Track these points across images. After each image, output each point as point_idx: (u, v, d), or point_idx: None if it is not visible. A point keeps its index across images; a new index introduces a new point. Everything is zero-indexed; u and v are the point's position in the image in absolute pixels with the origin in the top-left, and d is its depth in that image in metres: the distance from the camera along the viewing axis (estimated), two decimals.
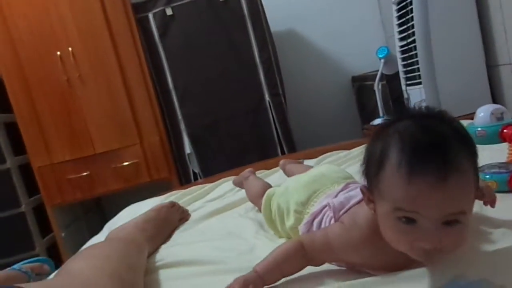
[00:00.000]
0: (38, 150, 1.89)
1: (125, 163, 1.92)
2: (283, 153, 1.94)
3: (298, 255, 0.59)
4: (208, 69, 1.94)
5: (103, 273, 0.63)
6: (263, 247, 0.78)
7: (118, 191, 1.96)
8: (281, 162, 1.20)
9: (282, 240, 0.80)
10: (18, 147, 1.94)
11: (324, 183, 0.76)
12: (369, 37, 2.30)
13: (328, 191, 0.74)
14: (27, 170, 1.96)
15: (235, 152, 1.95)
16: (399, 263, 0.55)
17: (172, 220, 1.04)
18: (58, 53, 1.83)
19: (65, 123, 1.88)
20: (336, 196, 0.70)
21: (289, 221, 0.77)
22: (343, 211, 0.63)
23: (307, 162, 1.32)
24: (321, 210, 0.70)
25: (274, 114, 1.97)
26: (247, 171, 1.15)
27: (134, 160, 1.93)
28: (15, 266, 0.81)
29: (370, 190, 0.52)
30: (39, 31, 1.82)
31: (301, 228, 0.72)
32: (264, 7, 1.99)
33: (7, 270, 0.79)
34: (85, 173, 1.91)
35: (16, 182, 1.92)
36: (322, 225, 0.68)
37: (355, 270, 0.60)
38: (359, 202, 0.61)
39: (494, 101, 1.64)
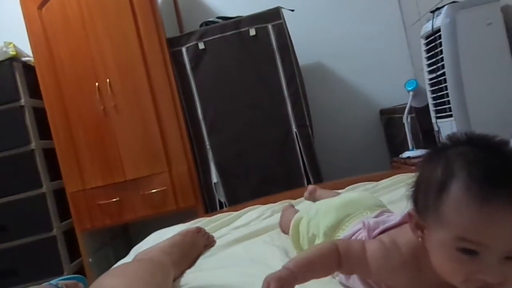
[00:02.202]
0: (72, 175, 1.97)
1: (154, 191, 1.96)
2: (309, 183, 1.92)
3: (332, 257, 0.57)
4: (237, 100, 1.99)
5: None
6: None
7: (145, 218, 1.99)
8: (310, 186, 1.16)
9: None
10: (54, 172, 2.03)
11: (357, 208, 0.75)
12: (397, 70, 2.31)
13: (360, 216, 0.72)
14: (61, 195, 2.03)
15: (261, 182, 1.95)
16: None
17: (197, 245, 1.04)
18: (97, 84, 1.94)
19: (99, 150, 1.96)
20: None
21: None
22: (377, 231, 0.61)
23: (364, 196, 1.30)
24: (352, 235, 0.69)
25: (301, 145, 1.97)
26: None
27: (162, 187, 1.96)
28: (53, 281, 0.84)
29: (422, 216, 0.49)
30: (80, 63, 1.95)
31: None
32: (293, 41, 2.05)
33: (45, 285, 0.81)
34: (115, 199, 1.96)
35: (50, 206, 1.99)
36: None
37: None
38: (395, 226, 0.58)
39: None
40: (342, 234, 0.71)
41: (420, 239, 0.50)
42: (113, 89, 1.94)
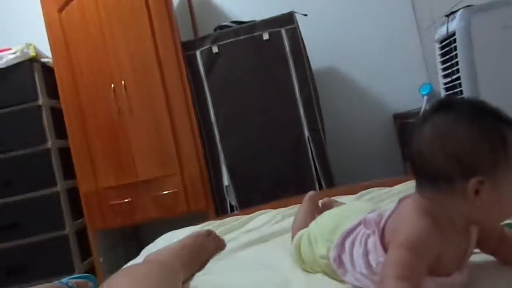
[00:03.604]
0: (86, 175, 2.00)
1: (165, 192, 1.97)
2: (321, 188, 1.91)
3: None
4: (249, 104, 2.00)
5: None
6: (298, 280, 0.76)
7: (156, 220, 2.00)
8: (311, 193, 1.08)
9: (318, 275, 0.77)
10: (68, 171, 2.06)
11: (354, 212, 0.76)
12: (412, 74, 2.28)
13: (357, 218, 0.72)
14: (74, 194, 2.06)
15: (273, 186, 1.95)
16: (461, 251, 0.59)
17: (208, 248, 1.04)
18: (112, 85, 1.97)
19: (113, 151, 1.98)
20: None
21: (320, 250, 0.75)
22: (383, 221, 0.62)
23: (346, 198, 1.29)
24: (353, 230, 0.69)
25: (313, 149, 1.96)
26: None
27: (174, 189, 1.97)
28: (63, 280, 0.85)
29: (488, 175, 0.53)
30: (97, 65, 1.98)
31: (332, 252, 0.71)
32: (306, 45, 2.05)
33: (55, 283, 0.82)
34: (127, 200, 1.98)
35: (63, 205, 2.02)
36: (356, 243, 0.67)
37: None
38: (392, 213, 0.62)
39: None
40: (339, 234, 0.72)
41: (478, 202, 0.54)
42: (128, 91, 1.97)
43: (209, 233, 1.10)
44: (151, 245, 1.31)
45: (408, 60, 2.31)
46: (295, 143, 1.97)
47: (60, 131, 2.05)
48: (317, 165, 1.95)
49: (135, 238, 2.43)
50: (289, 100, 1.98)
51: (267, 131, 1.98)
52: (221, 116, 2.01)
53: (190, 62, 2.02)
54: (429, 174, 0.58)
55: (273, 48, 1.98)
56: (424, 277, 0.55)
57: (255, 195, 1.94)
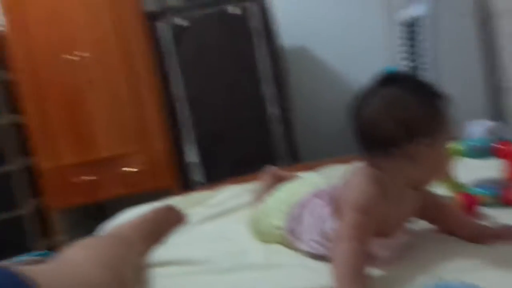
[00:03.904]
0: (44, 152, 1.91)
1: (130, 169, 1.93)
2: (287, 165, 1.93)
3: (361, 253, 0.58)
4: (218, 80, 1.96)
5: (95, 262, 0.62)
6: (254, 249, 0.77)
7: (121, 197, 1.95)
8: (270, 168, 1.11)
9: (274, 246, 0.79)
10: (23, 148, 1.96)
11: (308, 185, 0.80)
12: (379, 56, 2.31)
13: (311, 190, 0.76)
14: (31, 172, 1.97)
15: (240, 163, 1.94)
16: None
17: (169, 222, 1.03)
18: (70, 57, 1.87)
19: (73, 126, 1.90)
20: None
21: (275, 222, 0.77)
22: (336, 191, 0.68)
23: (307, 174, 1.31)
24: (307, 201, 0.72)
25: (280, 127, 1.96)
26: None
27: (139, 166, 1.93)
28: (17, 259, 0.82)
29: (427, 139, 0.61)
30: (54, 34, 1.86)
31: (287, 224, 0.73)
32: (277, 23, 2.02)
33: (13, 262, 0.80)
34: (89, 177, 1.92)
35: (19, 183, 1.93)
36: (311, 213, 0.70)
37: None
38: (343, 184, 0.68)
39: (495, 120, 1.65)
40: (294, 206, 0.74)
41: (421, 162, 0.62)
42: (88, 62, 1.87)
43: (170, 208, 1.09)
44: (113, 221, 1.29)
45: (377, 42, 2.33)
46: (263, 121, 1.97)
47: (14, 105, 1.93)
48: (284, 142, 1.96)
49: (99, 216, 2.37)
50: (258, 77, 1.96)
51: (235, 108, 1.96)
52: (188, 91, 1.97)
53: (156, 35, 1.95)
54: (379, 142, 0.62)
55: (243, 24, 1.94)
56: (371, 238, 0.60)
57: (222, 171, 1.93)
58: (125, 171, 1.92)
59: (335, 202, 0.67)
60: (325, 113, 2.35)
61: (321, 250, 0.68)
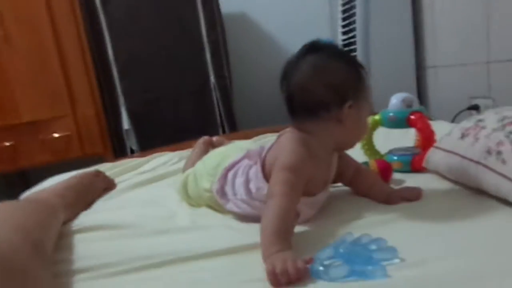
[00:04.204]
0: None
1: (55, 135, 1.80)
2: (224, 133, 1.94)
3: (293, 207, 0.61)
4: (152, 43, 1.87)
5: (7, 224, 0.59)
6: (182, 213, 0.78)
7: (46, 165, 1.83)
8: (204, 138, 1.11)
9: (202, 209, 0.80)
10: None
11: (234, 150, 0.81)
12: (319, 29, 2.35)
13: (238, 154, 0.77)
14: None
15: (176, 131, 1.91)
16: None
17: (95, 188, 1.00)
18: None
19: None
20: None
21: (204, 185, 0.79)
22: (264, 152, 0.70)
23: (246, 142, 1.33)
24: (235, 163, 0.74)
25: (218, 95, 1.95)
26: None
27: (66, 132, 1.81)
28: None
29: (353, 101, 0.66)
30: None
31: (215, 185, 0.74)
32: None
33: None
34: (7, 143, 1.77)
35: None
36: (239, 174, 0.72)
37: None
38: (272, 146, 0.71)
39: (419, 99, 1.78)
40: (222, 168, 0.76)
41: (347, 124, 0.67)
42: (3, 15, 1.68)
43: (97, 174, 1.05)
44: (34, 188, 1.21)
45: (317, 15, 2.36)
46: (200, 88, 1.93)
47: None
48: (221, 111, 1.96)
49: (22, 185, 2.22)
50: (195, 43, 1.90)
51: (171, 74, 1.90)
52: (120, 54, 1.85)
53: None
54: (309, 106, 0.66)
55: None
56: (300, 195, 0.64)
57: (157, 139, 1.88)
58: (50, 137, 1.80)
59: (262, 161, 0.69)
60: (264, 82, 2.36)
61: (247, 210, 0.70)
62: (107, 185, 1.04)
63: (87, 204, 0.94)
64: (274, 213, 0.59)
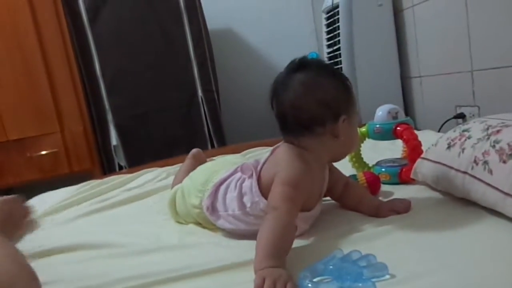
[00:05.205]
0: None
1: (43, 152, 1.78)
2: (213, 148, 1.93)
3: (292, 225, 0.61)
4: (140, 59, 1.87)
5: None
6: (168, 230, 0.77)
7: (33, 182, 1.80)
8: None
9: (190, 226, 0.79)
10: None
11: (225, 164, 0.80)
12: (304, 42, 2.38)
13: (227, 169, 0.76)
14: None
15: (165, 146, 1.90)
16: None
17: (15, 215, 0.94)
18: None
19: None
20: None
21: (193, 201, 0.77)
22: (260, 165, 0.70)
23: (234, 156, 1.32)
24: (226, 178, 0.73)
25: (206, 109, 1.95)
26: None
27: (53, 149, 1.79)
28: None
29: (346, 115, 0.67)
30: None
31: (205, 201, 0.73)
32: (202, 3, 1.97)
33: None
34: None
35: None
36: (231, 188, 0.71)
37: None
38: (267, 159, 0.71)
39: (406, 109, 1.79)
40: (212, 184, 0.74)
41: (341, 139, 0.68)
42: None
43: (16, 200, 0.99)
44: None
45: (301, 28, 2.39)
46: (188, 103, 1.93)
47: None
48: (209, 125, 1.95)
49: None
50: (182, 58, 1.91)
51: (158, 90, 1.89)
52: (108, 70, 1.85)
53: (71, 7, 1.79)
54: (304, 123, 0.67)
55: (166, 1, 1.86)
56: (299, 210, 0.64)
57: (145, 155, 1.86)
58: (37, 155, 1.77)
59: (257, 176, 0.69)
60: (250, 96, 2.37)
61: (240, 225, 0.69)
62: (25, 212, 0.99)
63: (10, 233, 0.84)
64: (273, 227, 0.58)
